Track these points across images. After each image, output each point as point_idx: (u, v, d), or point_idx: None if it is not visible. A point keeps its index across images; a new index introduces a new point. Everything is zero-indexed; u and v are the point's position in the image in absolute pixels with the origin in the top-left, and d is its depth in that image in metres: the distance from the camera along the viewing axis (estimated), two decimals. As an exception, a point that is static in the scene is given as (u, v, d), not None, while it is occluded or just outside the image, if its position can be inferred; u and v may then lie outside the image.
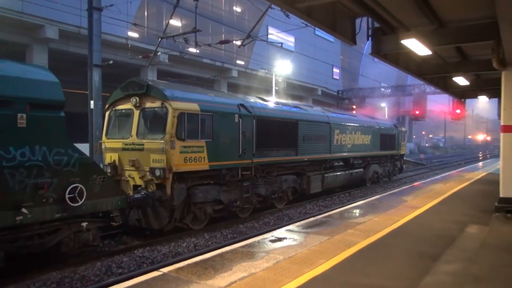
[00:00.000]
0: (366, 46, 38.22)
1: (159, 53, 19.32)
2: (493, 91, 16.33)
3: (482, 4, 7.73)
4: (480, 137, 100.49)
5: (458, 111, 21.28)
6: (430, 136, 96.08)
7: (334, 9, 8.17)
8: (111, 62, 17.62)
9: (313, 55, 35.83)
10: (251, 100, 12.76)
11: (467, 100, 21.25)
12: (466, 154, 62.91)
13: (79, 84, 20.04)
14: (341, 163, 17.21)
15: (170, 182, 9.51)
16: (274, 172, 13.12)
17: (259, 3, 16.64)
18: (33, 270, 7.50)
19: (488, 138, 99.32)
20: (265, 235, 7.46)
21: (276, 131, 12.90)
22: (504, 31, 6.99)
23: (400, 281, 5.12)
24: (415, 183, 17.69)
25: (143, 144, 9.79)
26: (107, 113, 10.95)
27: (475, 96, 18.77)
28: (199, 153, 10.09)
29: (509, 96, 9.14)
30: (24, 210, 6.69)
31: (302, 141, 14.19)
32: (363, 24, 9.32)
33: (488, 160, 37.72)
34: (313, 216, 9.87)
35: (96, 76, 15.72)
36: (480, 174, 20.09)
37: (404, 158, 26.46)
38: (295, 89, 37.35)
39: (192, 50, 23.75)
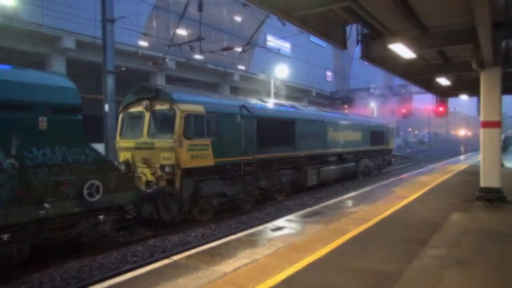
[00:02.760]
0: (356, 50, 38.10)
1: (167, 60, 19.30)
2: (473, 90, 16.29)
3: (461, 11, 7.71)
4: (462, 132, 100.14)
5: (441, 109, 21.17)
6: (416, 132, 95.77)
7: (326, 17, 8.16)
8: (123, 69, 17.60)
9: (308, 59, 35.77)
10: (252, 102, 12.74)
11: (450, 98, 21.19)
12: (449, 148, 62.80)
13: (94, 89, 20.05)
14: (335, 158, 17.20)
15: (179, 177, 9.51)
16: (274, 167, 13.12)
17: (258, 13, 16.57)
18: (56, 259, 7.51)
19: (469, 134, 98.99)
20: (267, 225, 7.47)
21: (275, 129, 12.89)
22: (481, 35, 6.98)
23: (391, 265, 5.12)
24: (403, 175, 17.67)
25: (153, 143, 9.79)
26: (120, 116, 10.94)
27: (456, 95, 18.72)
28: (205, 151, 10.08)
29: (487, 95, 9.12)
30: (46, 205, 6.70)
31: (299, 138, 14.17)
32: (353, 30, 9.30)
33: (469, 154, 37.66)
34: (310, 207, 9.86)
35: (110, 82, 15.71)
36: (462, 166, 20.06)
37: (392, 152, 26.42)
38: (291, 91, 37.26)
39: (197, 56, 23.70)
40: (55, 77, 7.45)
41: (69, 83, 7.29)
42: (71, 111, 7.15)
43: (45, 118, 6.68)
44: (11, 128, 6.31)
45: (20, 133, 6.39)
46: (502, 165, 10.52)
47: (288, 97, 32.83)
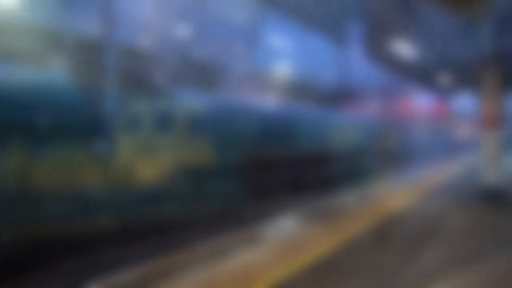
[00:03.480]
0: (357, 49, 38.05)
1: (167, 59, 19.29)
2: (475, 89, 16.27)
3: (463, 10, 7.69)
4: (463, 132, 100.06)
5: (442, 108, 21.20)
6: (417, 132, 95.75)
7: (329, 15, 8.14)
8: (124, 68, 17.59)
9: (309, 58, 35.75)
10: (252, 101, 12.73)
11: (450, 98, 21.19)
12: (450, 148, 62.74)
13: (95, 88, 20.04)
14: (336, 158, 17.17)
15: (179, 176, 9.50)
16: (274, 166, 13.10)
17: (259, 10, 16.55)
18: (56, 259, 7.49)
19: (470, 133, 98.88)
20: (267, 224, 7.46)
21: (275, 129, 12.89)
22: (482, 34, 6.96)
23: (391, 265, 5.10)
24: (403, 175, 17.64)
25: (153, 143, 9.78)
26: (120, 115, 10.92)
27: (457, 93, 18.72)
28: (204, 150, 10.08)
29: (489, 93, 9.10)
30: (46, 204, 6.69)
31: (300, 138, 14.16)
32: (354, 29, 9.29)
33: (470, 154, 37.60)
34: (311, 206, 9.85)
35: (110, 81, 15.70)
36: (462, 166, 20.03)
37: (393, 152, 26.39)
38: (292, 91, 37.30)
39: (197, 55, 23.70)
40: (56, 77, 7.44)
41: (69, 82, 7.28)
42: (72, 110, 7.14)
43: (45, 118, 6.67)
44: (11, 127, 6.30)
45: (20, 132, 6.38)
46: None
47: (289, 97, 32.84)
